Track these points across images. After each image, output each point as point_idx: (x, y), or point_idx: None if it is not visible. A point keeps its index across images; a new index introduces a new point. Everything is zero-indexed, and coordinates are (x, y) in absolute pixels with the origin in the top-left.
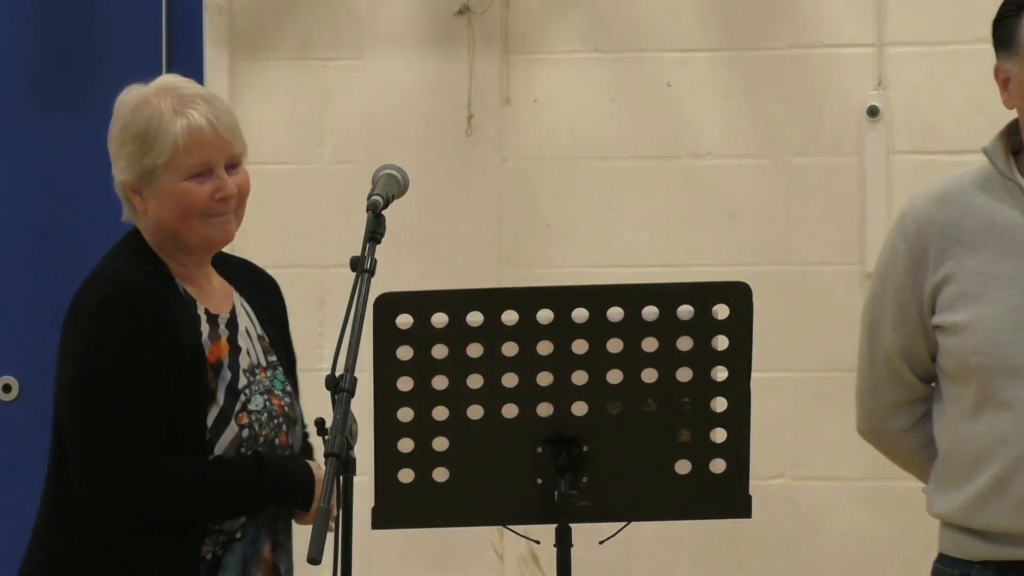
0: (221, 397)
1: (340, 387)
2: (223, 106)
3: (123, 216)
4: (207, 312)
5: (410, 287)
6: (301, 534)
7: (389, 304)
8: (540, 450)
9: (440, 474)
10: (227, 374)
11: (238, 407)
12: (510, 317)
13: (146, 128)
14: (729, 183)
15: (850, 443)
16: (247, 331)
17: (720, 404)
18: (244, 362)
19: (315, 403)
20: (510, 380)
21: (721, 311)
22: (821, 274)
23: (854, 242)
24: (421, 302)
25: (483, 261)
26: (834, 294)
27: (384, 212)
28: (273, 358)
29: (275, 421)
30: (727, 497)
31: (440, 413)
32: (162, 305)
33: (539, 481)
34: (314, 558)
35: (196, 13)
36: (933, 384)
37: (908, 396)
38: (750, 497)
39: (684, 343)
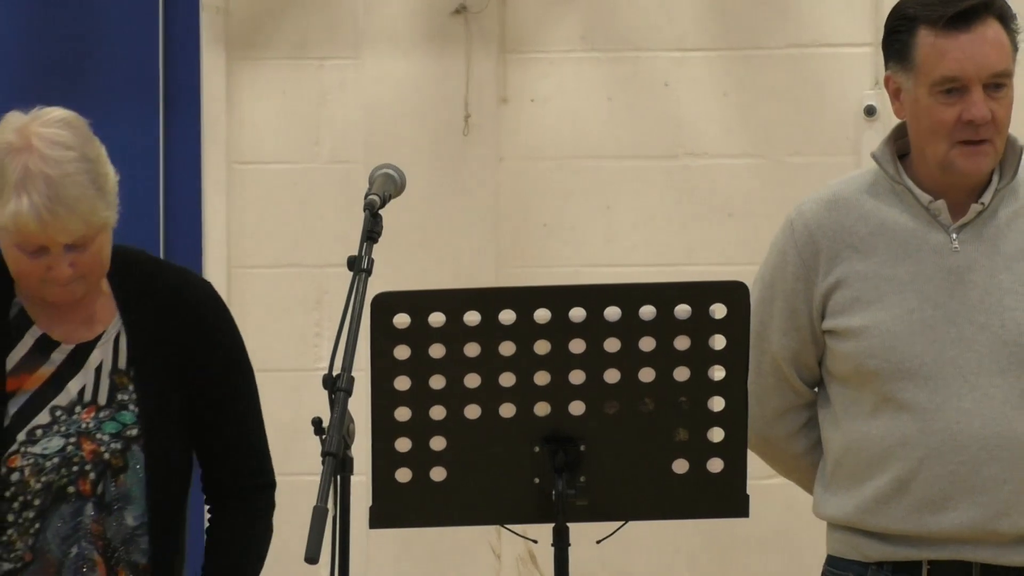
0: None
1: (337, 387)
2: (73, 185)
3: None
4: (44, 336)
5: (407, 286)
6: (301, 532)
7: (386, 304)
8: (538, 449)
9: (438, 473)
10: (12, 408)
11: (14, 447)
12: (507, 316)
13: None
14: (726, 182)
15: None
16: (99, 366)
17: (717, 403)
18: (63, 399)
19: (313, 403)
20: (507, 379)
21: (718, 311)
22: None
23: None
24: (418, 301)
25: (480, 260)
26: None
27: (381, 211)
28: (126, 397)
29: (71, 468)
30: (725, 496)
31: (438, 412)
32: None
33: (537, 480)
34: (311, 558)
35: (193, 13)
36: (816, 389)
37: (795, 402)
38: (748, 496)
39: (681, 342)
